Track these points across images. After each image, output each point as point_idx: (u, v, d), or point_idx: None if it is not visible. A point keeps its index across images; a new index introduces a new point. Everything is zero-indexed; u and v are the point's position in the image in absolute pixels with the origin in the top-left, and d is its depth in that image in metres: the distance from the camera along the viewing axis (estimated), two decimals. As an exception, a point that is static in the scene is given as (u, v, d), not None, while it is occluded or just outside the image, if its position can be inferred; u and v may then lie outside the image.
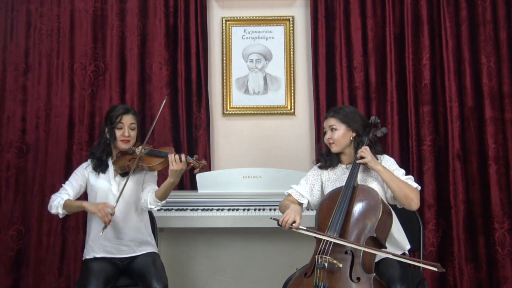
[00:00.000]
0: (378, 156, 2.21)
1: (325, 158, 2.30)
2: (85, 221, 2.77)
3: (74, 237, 3.12)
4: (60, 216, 2.32)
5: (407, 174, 2.19)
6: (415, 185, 2.13)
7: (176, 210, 2.88)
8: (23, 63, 3.22)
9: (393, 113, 3.14)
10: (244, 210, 2.88)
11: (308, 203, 2.30)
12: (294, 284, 2.00)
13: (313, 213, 2.76)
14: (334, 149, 2.24)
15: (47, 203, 3.06)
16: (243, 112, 3.37)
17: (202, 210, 2.89)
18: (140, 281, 2.27)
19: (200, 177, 3.01)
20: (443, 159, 3.12)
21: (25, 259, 3.14)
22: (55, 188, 3.12)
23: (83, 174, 2.39)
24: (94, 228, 2.36)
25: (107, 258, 2.35)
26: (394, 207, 2.17)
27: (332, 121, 2.23)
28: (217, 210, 2.89)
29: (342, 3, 3.22)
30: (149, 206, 2.33)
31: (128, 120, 2.35)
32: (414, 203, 2.08)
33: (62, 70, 3.22)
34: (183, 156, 2.23)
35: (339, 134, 2.21)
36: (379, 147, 2.25)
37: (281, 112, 3.36)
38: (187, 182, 3.17)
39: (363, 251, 1.93)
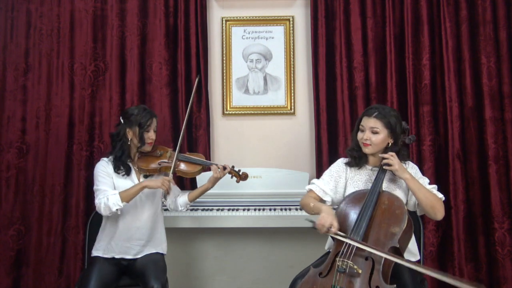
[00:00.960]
0: (403, 162, 2.16)
1: (354, 155, 2.20)
2: (86, 222, 2.79)
3: (74, 237, 3.11)
4: (119, 212, 2.32)
5: None
6: (440, 195, 2.11)
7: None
8: (23, 63, 3.22)
9: (393, 113, 3.14)
10: (244, 210, 2.88)
11: (332, 201, 2.21)
12: (308, 282, 1.96)
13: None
14: (368, 150, 2.14)
15: (47, 203, 3.12)
16: (243, 112, 3.37)
17: (202, 210, 2.89)
18: (140, 280, 2.28)
19: (200, 177, 3.01)
20: (443, 159, 3.12)
21: (25, 259, 3.13)
22: (55, 188, 3.14)
23: (109, 174, 2.39)
24: (121, 228, 2.38)
25: (113, 258, 2.38)
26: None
27: (375, 123, 2.11)
28: (217, 210, 2.89)
29: (342, 3, 3.22)
30: (180, 208, 2.52)
31: (154, 123, 2.45)
32: (440, 214, 2.07)
33: (62, 70, 3.22)
34: (227, 166, 2.47)
35: (379, 138, 2.12)
36: (406, 153, 2.19)
37: (281, 112, 3.36)
38: (187, 182, 3.17)
39: (383, 261, 1.89)
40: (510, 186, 3.04)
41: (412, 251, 2.20)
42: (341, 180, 2.23)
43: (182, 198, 2.51)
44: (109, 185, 2.36)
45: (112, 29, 3.23)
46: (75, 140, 3.18)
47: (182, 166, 2.48)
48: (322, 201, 2.20)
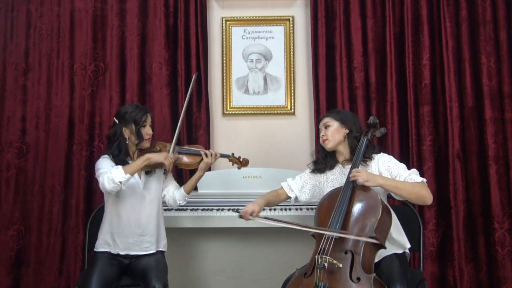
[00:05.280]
0: (375, 155, 2.24)
1: (322, 162, 2.35)
2: (86, 222, 2.79)
3: (74, 237, 3.11)
4: (123, 187, 2.27)
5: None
6: (420, 179, 2.12)
7: (176, 210, 2.87)
8: (23, 63, 3.22)
9: (393, 113, 3.14)
10: (244, 210, 2.88)
11: (296, 198, 2.39)
12: (294, 284, 2.01)
13: (312, 213, 2.78)
14: (328, 145, 2.28)
15: (47, 203, 3.13)
16: (243, 112, 3.37)
17: (202, 210, 2.89)
18: (141, 280, 2.28)
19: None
20: (443, 159, 3.12)
21: (25, 259, 3.13)
22: (55, 188, 3.14)
23: (112, 166, 2.34)
24: (123, 224, 2.37)
25: (119, 255, 2.37)
26: (392, 207, 2.17)
27: (326, 119, 2.32)
28: (217, 210, 2.89)
29: (342, 3, 3.22)
30: (178, 202, 2.53)
31: (150, 118, 2.44)
32: (427, 198, 2.09)
33: (62, 70, 3.22)
34: (217, 153, 2.50)
35: (332, 130, 2.27)
36: (376, 147, 2.28)
37: (281, 112, 3.36)
38: (187, 176, 3.16)
39: (362, 252, 1.94)
40: (510, 186, 3.04)
41: (399, 242, 2.21)
42: (310, 182, 2.38)
43: (179, 192, 2.52)
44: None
45: (112, 29, 3.23)
46: (75, 140, 3.18)
47: (183, 158, 2.50)
48: (288, 197, 2.41)
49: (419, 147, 3.11)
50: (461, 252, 3.03)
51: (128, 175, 2.25)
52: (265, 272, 3.07)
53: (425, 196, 2.08)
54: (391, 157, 2.24)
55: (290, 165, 3.23)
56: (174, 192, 2.52)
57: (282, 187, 2.43)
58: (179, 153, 2.49)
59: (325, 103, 3.19)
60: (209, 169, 3.18)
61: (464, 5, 3.14)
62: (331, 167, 2.32)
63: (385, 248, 2.03)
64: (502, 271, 2.98)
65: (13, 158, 3.16)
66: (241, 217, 2.19)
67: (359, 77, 3.19)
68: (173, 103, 3.24)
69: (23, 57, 3.23)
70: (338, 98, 3.20)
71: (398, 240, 2.20)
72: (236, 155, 2.60)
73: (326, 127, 2.29)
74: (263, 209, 2.84)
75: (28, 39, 3.24)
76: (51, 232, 3.13)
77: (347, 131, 2.27)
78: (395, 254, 2.15)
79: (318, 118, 3.20)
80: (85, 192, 3.12)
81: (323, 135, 2.30)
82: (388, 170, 2.18)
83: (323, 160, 2.34)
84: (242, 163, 2.60)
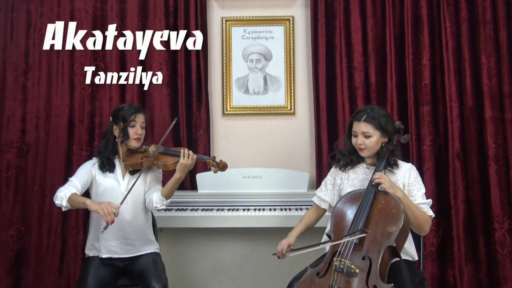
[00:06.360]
0: (403, 164, 2.19)
1: (346, 157, 2.24)
2: (86, 221, 2.78)
3: (74, 237, 3.12)
4: (63, 209, 2.25)
5: None
6: (430, 212, 2.12)
7: (176, 210, 2.89)
8: (23, 63, 3.22)
9: (393, 113, 3.13)
10: (244, 210, 2.88)
11: (329, 206, 2.29)
12: (305, 283, 1.97)
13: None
14: (364, 154, 2.18)
15: (47, 203, 3.13)
16: (243, 112, 3.37)
17: (202, 210, 2.89)
18: (140, 281, 2.28)
19: (200, 177, 3.02)
20: (443, 159, 3.12)
21: (25, 259, 3.13)
22: (55, 188, 3.10)
23: (90, 170, 2.39)
24: (98, 228, 2.35)
25: (110, 258, 2.36)
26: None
27: (366, 127, 2.13)
28: (217, 210, 2.89)
29: (342, 3, 3.22)
30: (155, 206, 2.35)
31: (140, 118, 2.40)
32: (423, 232, 2.12)
33: (62, 70, 3.22)
34: (194, 154, 2.34)
35: (372, 141, 2.14)
36: (399, 152, 2.22)
37: (281, 112, 3.36)
38: (187, 182, 3.17)
39: (380, 259, 1.89)
40: (510, 186, 3.04)
41: (410, 253, 2.20)
42: (336, 182, 2.29)
43: (157, 195, 2.34)
44: (81, 181, 2.32)
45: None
46: (75, 140, 3.18)
47: (162, 158, 2.38)
48: (323, 210, 2.33)
49: (419, 147, 3.11)
50: (461, 252, 3.03)
51: (66, 203, 2.20)
52: (265, 272, 3.07)
53: (425, 229, 2.09)
54: (418, 175, 2.19)
55: (290, 165, 3.24)
56: (153, 195, 2.36)
57: (314, 203, 2.34)
58: (160, 153, 2.39)
59: (325, 103, 3.19)
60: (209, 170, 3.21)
61: (464, 5, 3.14)
62: (354, 164, 2.24)
63: (400, 258, 2.00)
64: (502, 271, 2.98)
65: (13, 158, 3.16)
66: (279, 257, 2.18)
67: (359, 77, 3.19)
68: (173, 103, 3.24)
69: (23, 57, 3.23)
70: (338, 98, 3.20)
71: (408, 250, 2.18)
72: (217, 159, 2.41)
73: (366, 136, 2.13)
74: (255, 209, 2.86)
75: (28, 39, 3.23)
76: (51, 232, 3.13)
77: (385, 140, 2.16)
78: (404, 260, 2.13)
79: (318, 118, 3.21)
80: (84, 192, 3.10)
81: (360, 144, 2.14)
82: (409, 186, 2.15)
83: (349, 155, 2.23)
84: (219, 166, 2.38)
